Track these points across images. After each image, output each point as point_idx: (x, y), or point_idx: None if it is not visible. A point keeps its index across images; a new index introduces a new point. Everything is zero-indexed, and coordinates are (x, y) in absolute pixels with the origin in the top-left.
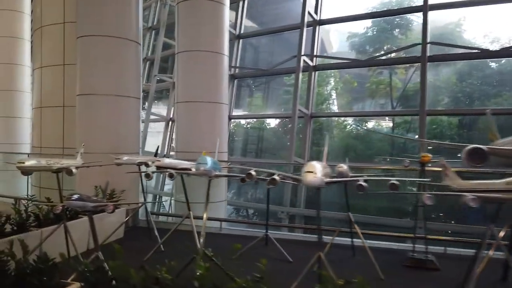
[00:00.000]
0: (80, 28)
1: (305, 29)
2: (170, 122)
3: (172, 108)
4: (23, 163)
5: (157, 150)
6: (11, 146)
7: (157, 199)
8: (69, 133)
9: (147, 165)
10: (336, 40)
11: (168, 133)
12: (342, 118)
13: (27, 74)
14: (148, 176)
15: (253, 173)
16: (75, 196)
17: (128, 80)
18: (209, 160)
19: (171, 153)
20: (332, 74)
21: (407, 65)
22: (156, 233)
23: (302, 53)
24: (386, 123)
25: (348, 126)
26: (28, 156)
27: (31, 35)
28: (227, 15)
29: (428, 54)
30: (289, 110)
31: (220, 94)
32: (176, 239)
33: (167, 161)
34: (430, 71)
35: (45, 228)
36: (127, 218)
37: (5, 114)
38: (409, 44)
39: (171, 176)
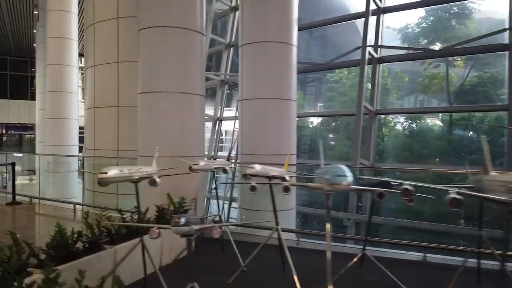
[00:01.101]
0: (143, 19)
1: (370, 17)
2: (217, 122)
3: (219, 108)
4: (106, 173)
5: (229, 153)
6: (60, 148)
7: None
8: (124, 134)
9: (225, 171)
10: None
11: (216, 133)
12: (391, 116)
13: (75, 75)
14: (253, 189)
15: (411, 188)
16: (183, 220)
17: (193, 76)
18: (347, 171)
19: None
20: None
21: (464, 57)
22: (236, 251)
23: (367, 44)
24: (432, 120)
25: (399, 124)
26: (80, 160)
27: (81, 34)
28: (296, 1)
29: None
30: (332, 108)
31: (289, 90)
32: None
33: (258, 167)
34: (488, 64)
35: (119, 245)
36: (200, 230)
37: (53, 115)
38: (485, 33)
39: (286, 189)
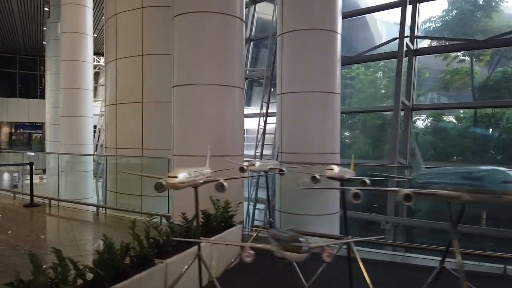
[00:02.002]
0: (178, 4)
1: (407, 6)
2: None
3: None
4: (176, 177)
5: (278, 153)
6: (75, 147)
7: None
8: (149, 132)
9: (282, 172)
10: (384, 30)
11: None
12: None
13: (90, 71)
14: (357, 197)
15: None
16: (305, 246)
17: (233, 67)
18: None
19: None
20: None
21: (489, 52)
22: (296, 266)
23: (405, 35)
24: (448, 117)
25: (422, 121)
26: (96, 160)
27: (95, 29)
28: None
29: None
30: (351, 105)
31: (334, 82)
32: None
33: (337, 169)
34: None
35: (170, 259)
36: (252, 239)
37: (68, 113)
38: None
39: (408, 198)
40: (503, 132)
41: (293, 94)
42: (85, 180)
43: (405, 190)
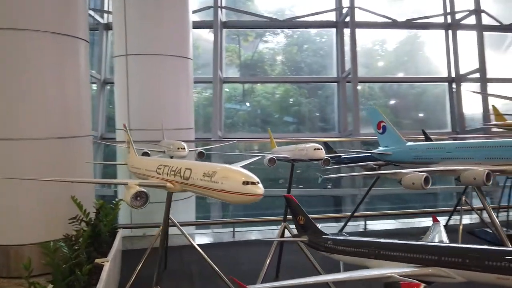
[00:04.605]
0: None
1: None
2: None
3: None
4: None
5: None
6: None
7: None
8: None
9: (202, 154)
10: None
11: (101, 100)
12: None
13: None
14: (427, 182)
15: None
16: None
17: (75, 9)
18: None
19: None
20: None
21: (254, 34)
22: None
23: (220, 4)
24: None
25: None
26: None
27: None
28: None
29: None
30: None
31: (186, 45)
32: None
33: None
34: (268, 42)
35: None
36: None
37: None
38: None
39: (489, 177)
40: (252, 106)
41: (139, 57)
42: None
43: (481, 169)
